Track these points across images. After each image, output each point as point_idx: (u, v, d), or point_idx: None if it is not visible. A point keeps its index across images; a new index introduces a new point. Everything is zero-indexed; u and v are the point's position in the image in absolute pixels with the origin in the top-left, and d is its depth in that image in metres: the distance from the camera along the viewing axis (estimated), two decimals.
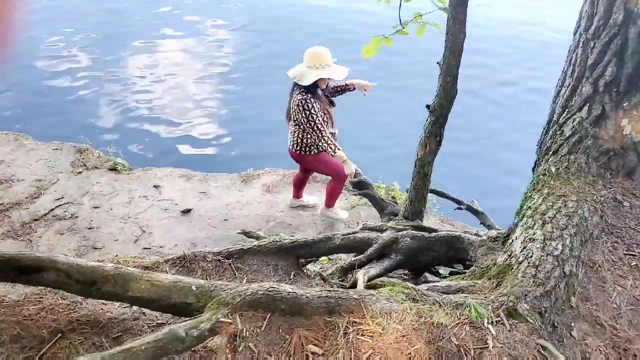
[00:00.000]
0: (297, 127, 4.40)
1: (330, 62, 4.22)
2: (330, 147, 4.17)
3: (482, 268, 2.80)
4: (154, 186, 5.92)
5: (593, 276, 2.18)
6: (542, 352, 1.77)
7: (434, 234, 3.08)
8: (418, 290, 2.08)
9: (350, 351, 1.82)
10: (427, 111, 3.26)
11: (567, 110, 2.85)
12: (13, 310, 2.32)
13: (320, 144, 4.26)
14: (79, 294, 2.25)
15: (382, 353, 1.79)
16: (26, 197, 5.28)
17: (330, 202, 5.14)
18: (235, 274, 2.84)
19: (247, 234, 3.45)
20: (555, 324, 1.93)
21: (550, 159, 2.82)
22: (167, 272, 2.73)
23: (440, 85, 3.08)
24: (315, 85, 4.19)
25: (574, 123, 2.78)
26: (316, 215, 5.53)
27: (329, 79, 4.26)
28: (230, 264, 2.88)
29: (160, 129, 8.79)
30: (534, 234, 2.28)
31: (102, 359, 1.73)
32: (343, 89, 4.65)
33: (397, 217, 3.98)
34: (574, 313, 2.01)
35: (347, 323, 1.90)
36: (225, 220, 5.57)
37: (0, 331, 2.20)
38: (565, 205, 2.41)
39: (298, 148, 4.52)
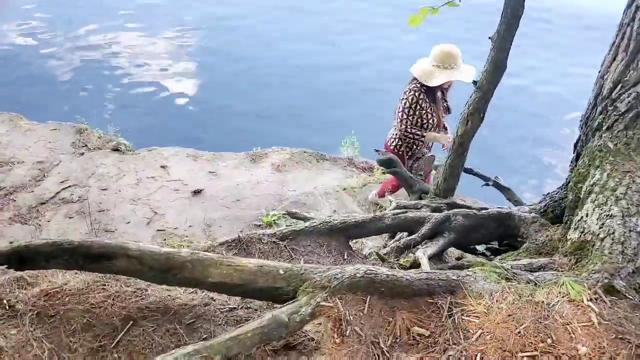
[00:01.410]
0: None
1: (460, 63, 3.86)
2: (416, 135, 3.96)
3: (537, 244, 2.83)
4: (161, 166, 5.74)
5: None
6: None
7: (484, 211, 3.08)
8: (508, 269, 2.07)
9: (458, 332, 1.80)
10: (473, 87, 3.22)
11: (620, 85, 2.85)
12: (78, 299, 2.20)
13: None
14: (153, 281, 2.15)
15: (491, 332, 1.78)
16: (29, 180, 5.03)
17: (381, 191, 5.10)
18: (292, 256, 2.77)
19: (293, 215, 3.37)
20: None
21: (605, 135, 2.83)
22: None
23: (491, 60, 3.03)
24: (438, 86, 3.88)
25: (630, 98, 2.78)
26: (330, 195, 5.49)
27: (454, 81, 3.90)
28: (285, 246, 2.81)
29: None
30: (610, 209, 2.29)
31: (210, 347, 1.65)
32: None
33: (427, 195, 3.97)
34: None
35: (449, 304, 1.88)
36: (238, 200, 5.47)
37: (70, 320, 2.09)
38: (633, 181, 2.43)
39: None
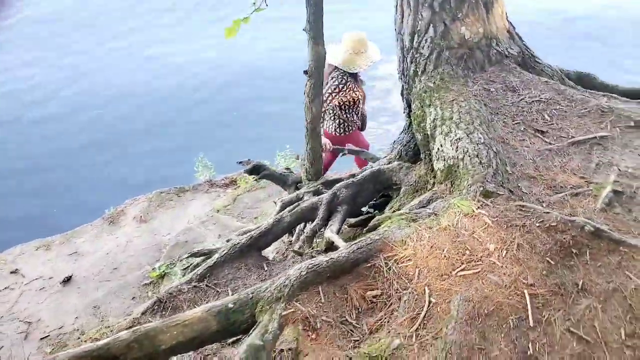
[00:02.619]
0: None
1: (368, 45, 4.26)
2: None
3: (411, 185, 3.27)
4: (12, 272, 5.03)
5: (506, 147, 2.80)
6: (522, 209, 2.28)
7: (359, 176, 3.43)
8: (410, 212, 2.40)
9: (401, 278, 2.07)
10: (304, 76, 3.51)
11: (416, 35, 3.40)
12: None
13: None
14: None
15: (425, 266, 2.09)
16: None
17: None
18: (218, 291, 2.78)
19: (197, 255, 3.31)
20: (511, 189, 2.47)
21: (423, 78, 3.36)
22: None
23: (312, 49, 3.34)
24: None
25: (427, 43, 3.34)
26: (208, 222, 5.43)
27: None
28: (207, 285, 2.80)
29: None
30: (456, 134, 2.78)
31: None
32: None
33: (301, 184, 4.22)
34: (514, 177, 2.59)
35: (384, 260, 2.13)
36: (115, 269, 5.11)
37: None
38: (459, 106, 2.97)
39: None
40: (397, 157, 3.74)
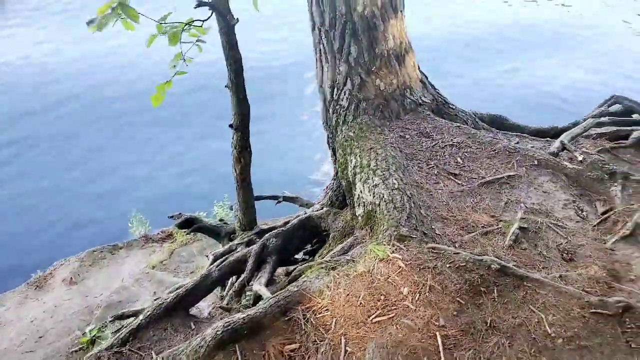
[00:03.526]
0: None
1: None
2: None
3: (339, 230, 3.34)
4: None
5: (421, 191, 2.93)
6: (434, 251, 2.38)
7: (289, 224, 3.46)
8: (330, 260, 2.45)
9: (319, 329, 2.08)
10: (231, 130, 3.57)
11: (335, 87, 3.57)
12: None
13: None
14: None
15: (342, 315, 2.12)
16: None
17: None
18: (141, 356, 2.67)
19: (122, 317, 3.18)
20: (425, 231, 2.58)
21: (343, 128, 3.50)
22: None
23: (235, 104, 3.42)
24: None
25: (346, 95, 3.51)
26: (143, 280, 5.24)
27: None
28: (129, 349, 2.69)
29: None
30: (373, 181, 2.89)
31: None
32: None
33: (235, 235, 4.20)
34: (428, 219, 2.71)
35: (302, 312, 2.14)
36: (41, 337, 4.80)
37: None
38: (377, 154, 3.11)
39: None
40: (329, 202, 3.83)
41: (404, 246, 2.43)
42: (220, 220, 4.51)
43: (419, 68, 3.74)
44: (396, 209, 2.65)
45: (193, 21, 2.60)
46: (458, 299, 2.18)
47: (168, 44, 2.52)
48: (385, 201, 2.72)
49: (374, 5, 3.31)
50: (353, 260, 2.42)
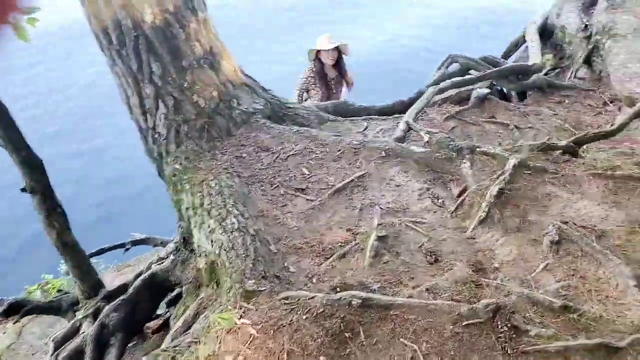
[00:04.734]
0: None
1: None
2: None
3: (191, 283, 2.85)
4: None
5: (267, 221, 2.54)
6: (287, 302, 2.01)
7: (131, 288, 2.89)
8: (166, 349, 1.97)
9: None
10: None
11: (148, 114, 3.00)
12: None
13: None
14: None
15: None
16: None
17: None
18: None
19: None
20: (277, 273, 2.20)
21: (169, 160, 2.97)
22: None
23: (20, 164, 2.72)
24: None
25: (162, 121, 2.97)
26: None
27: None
28: None
29: None
30: (209, 225, 2.43)
31: None
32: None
33: (79, 305, 3.52)
34: (279, 255, 2.33)
35: None
36: None
37: None
38: (210, 187, 2.64)
39: None
40: (183, 243, 3.29)
41: (253, 304, 2.03)
42: (59, 291, 3.76)
43: (242, 71, 3.30)
44: (239, 257, 2.22)
45: None
46: (322, 357, 1.84)
47: None
48: (225, 249, 2.28)
49: (165, 12, 2.77)
50: (196, 341, 1.97)
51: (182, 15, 2.84)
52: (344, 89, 4.87)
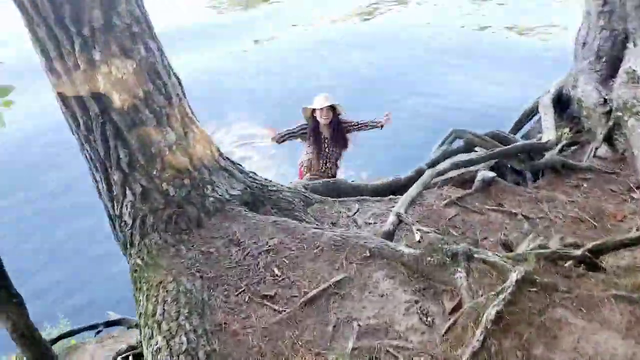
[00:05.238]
0: None
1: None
2: None
3: None
4: None
5: (225, 336, 2.22)
6: None
7: None
8: None
9: None
10: None
11: (115, 201, 2.78)
12: None
13: None
14: None
15: None
16: None
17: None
18: None
19: None
20: None
21: (133, 252, 2.72)
22: None
23: None
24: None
25: (129, 209, 2.74)
26: None
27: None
28: None
29: None
30: (157, 342, 2.13)
31: None
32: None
33: None
34: None
35: None
36: None
37: None
38: (166, 291, 2.35)
39: None
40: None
41: None
42: None
43: (220, 154, 3.07)
44: None
45: None
46: None
47: None
48: None
49: (135, 97, 2.58)
50: None
51: (153, 100, 2.64)
52: (340, 160, 4.60)
